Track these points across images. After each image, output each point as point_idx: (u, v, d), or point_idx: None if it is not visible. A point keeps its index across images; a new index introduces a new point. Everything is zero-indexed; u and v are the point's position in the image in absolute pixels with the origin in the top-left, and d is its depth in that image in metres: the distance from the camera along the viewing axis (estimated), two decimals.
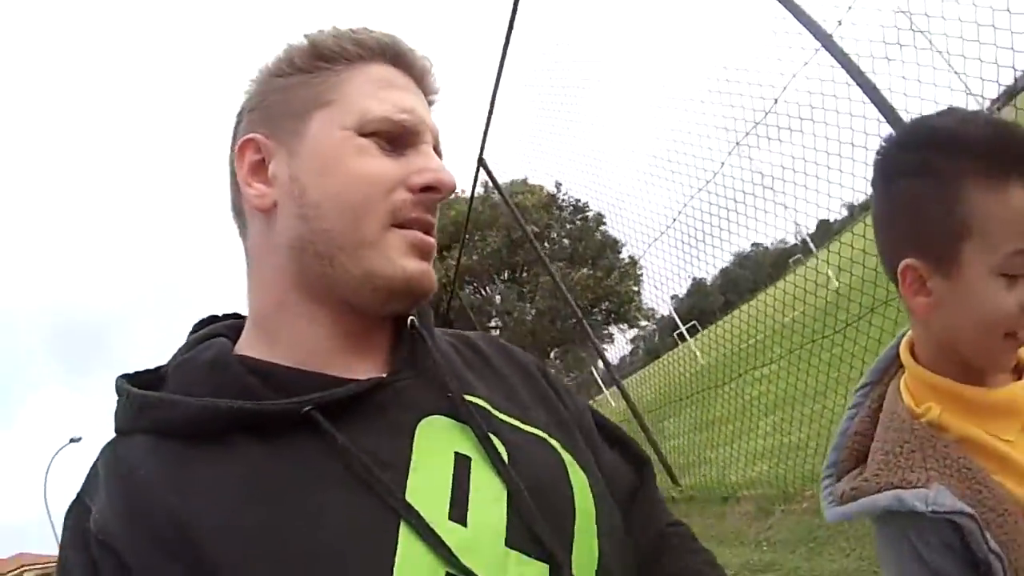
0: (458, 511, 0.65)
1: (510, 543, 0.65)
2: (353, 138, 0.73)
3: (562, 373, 27.75)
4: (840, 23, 3.14)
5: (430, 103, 0.82)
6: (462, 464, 0.69)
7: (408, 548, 0.60)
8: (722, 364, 7.38)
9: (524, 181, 20.05)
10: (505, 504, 0.67)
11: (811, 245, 14.44)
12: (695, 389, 7.62)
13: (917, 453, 0.87)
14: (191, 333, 0.79)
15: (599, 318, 20.62)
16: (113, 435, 0.71)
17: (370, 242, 0.71)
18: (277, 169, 0.75)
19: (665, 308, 20.66)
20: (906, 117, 2.97)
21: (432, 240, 0.76)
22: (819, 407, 5.30)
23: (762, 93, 4.10)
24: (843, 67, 3.12)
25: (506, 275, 20.73)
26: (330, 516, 0.61)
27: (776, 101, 3.81)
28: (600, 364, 8.76)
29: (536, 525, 0.67)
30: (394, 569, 0.59)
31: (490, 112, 7.07)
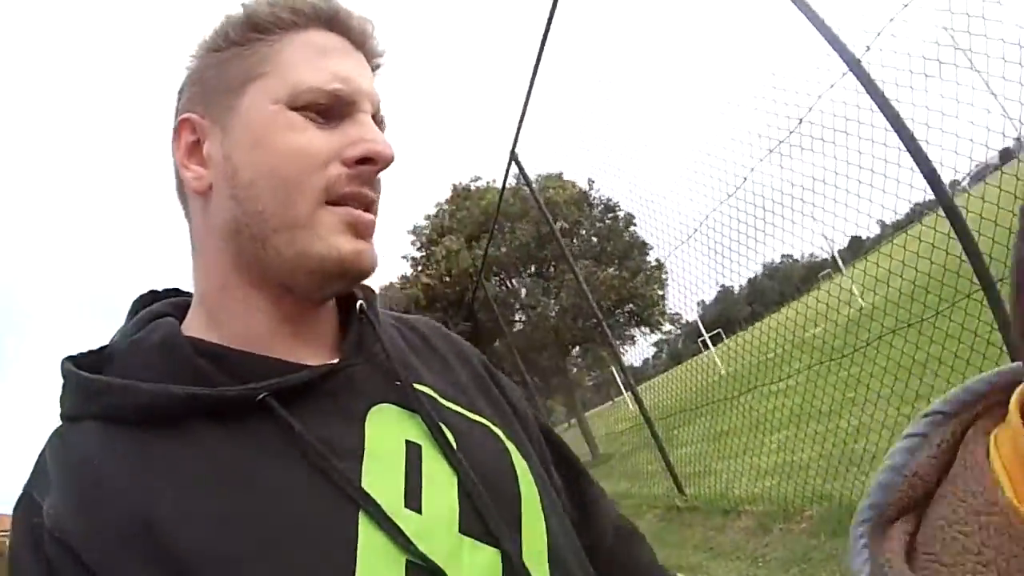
0: (413, 499, 0.65)
1: (463, 529, 0.66)
2: (284, 112, 0.69)
3: (583, 371, 27.72)
4: (868, 48, 3.14)
5: (375, 68, 0.78)
6: (413, 452, 0.69)
7: (368, 537, 0.61)
8: (740, 375, 7.38)
9: (559, 176, 20.02)
10: (456, 491, 0.68)
11: (839, 261, 14.28)
12: (711, 399, 7.62)
13: None
14: (132, 311, 0.77)
15: (622, 319, 20.53)
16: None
17: (303, 222, 0.68)
18: (212, 149, 0.72)
19: (691, 314, 20.53)
20: (926, 148, 2.97)
21: (370, 217, 0.72)
22: (829, 426, 5.29)
23: (796, 105, 4.08)
24: (868, 93, 3.12)
25: (532, 269, 20.70)
26: (292, 503, 0.61)
27: (800, 121, 3.81)
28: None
29: (486, 511, 0.67)
30: (357, 558, 0.59)
31: (524, 108, 7.09)
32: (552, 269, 20.22)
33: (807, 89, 3.77)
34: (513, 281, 21.01)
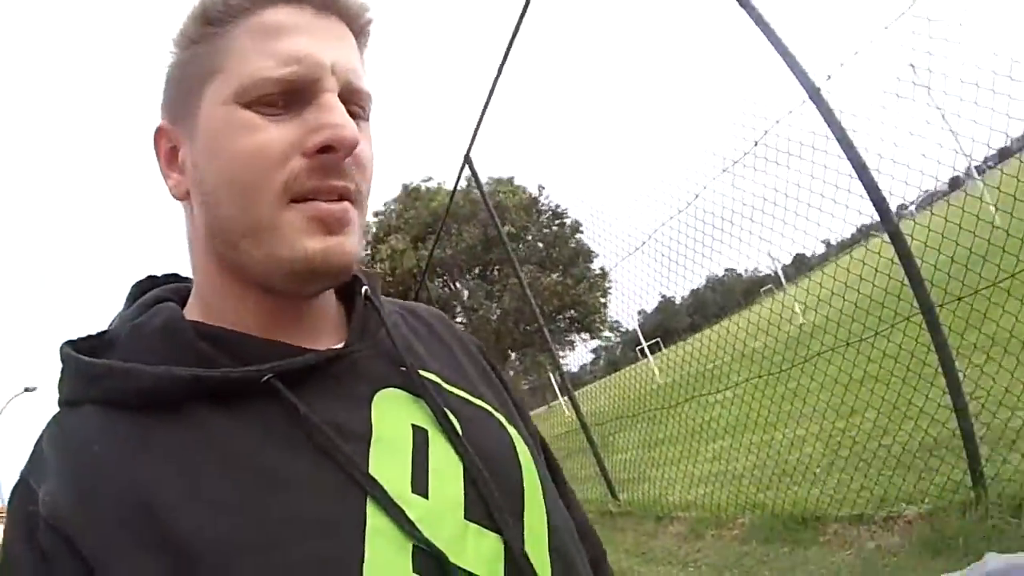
0: (420, 483, 0.65)
1: (469, 516, 0.65)
2: (235, 112, 0.64)
3: (520, 375, 27.86)
4: (830, 78, 3.28)
5: (361, 27, 0.72)
6: (420, 436, 0.69)
7: (376, 521, 0.60)
8: (679, 385, 7.53)
9: (510, 180, 20.20)
10: (462, 477, 0.67)
11: (782, 278, 14.72)
12: (649, 407, 7.75)
13: None
14: (131, 296, 0.76)
15: (562, 325, 20.77)
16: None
17: (266, 225, 0.64)
18: (184, 156, 0.70)
19: (631, 322, 20.86)
20: (878, 177, 3.12)
21: (340, 207, 0.66)
22: (764, 438, 5.46)
23: (752, 128, 4.21)
24: (826, 122, 3.26)
25: (477, 272, 20.77)
26: (298, 487, 0.60)
27: (756, 143, 3.95)
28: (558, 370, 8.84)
29: (491, 499, 0.67)
30: (365, 543, 0.58)
31: (482, 114, 7.09)
32: (496, 273, 20.32)
33: (765, 112, 3.91)
34: (457, 283, 21.04)
